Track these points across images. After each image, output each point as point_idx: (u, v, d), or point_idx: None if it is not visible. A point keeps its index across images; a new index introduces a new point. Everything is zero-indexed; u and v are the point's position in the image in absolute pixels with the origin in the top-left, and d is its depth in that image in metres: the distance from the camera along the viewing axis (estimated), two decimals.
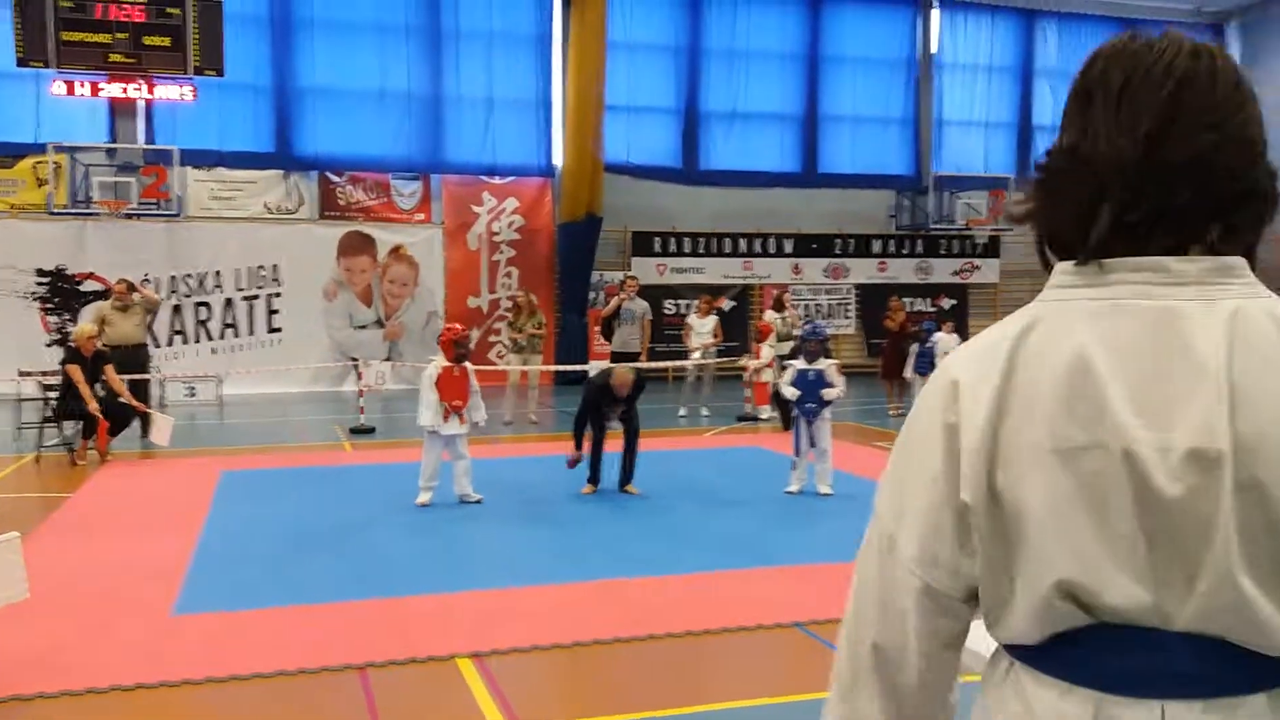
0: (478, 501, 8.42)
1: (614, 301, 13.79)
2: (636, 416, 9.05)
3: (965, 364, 1.33)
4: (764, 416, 13.92)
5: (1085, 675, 1.25)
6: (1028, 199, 1.38)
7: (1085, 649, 1.25)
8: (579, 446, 8.91)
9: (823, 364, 8.90)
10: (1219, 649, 1.20)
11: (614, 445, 9.12)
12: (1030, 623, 1.27)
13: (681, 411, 14.58)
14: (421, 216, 19.48)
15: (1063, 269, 1.32)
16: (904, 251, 22.46)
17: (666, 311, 20.57)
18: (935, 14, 22.63)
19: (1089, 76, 1.33)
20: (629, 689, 4.71)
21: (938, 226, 22.13)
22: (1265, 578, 1.18)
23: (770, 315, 14.41)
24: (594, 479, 9.03)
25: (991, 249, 22.85)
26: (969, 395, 1.30)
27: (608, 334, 14.22)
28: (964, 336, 15.79)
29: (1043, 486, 1.24)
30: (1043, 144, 23.30)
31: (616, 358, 14.18)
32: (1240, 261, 1.29)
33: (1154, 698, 1.22)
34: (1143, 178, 1.27)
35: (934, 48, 22.73)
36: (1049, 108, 23.49)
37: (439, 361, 8.44)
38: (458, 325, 8.89)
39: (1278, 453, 1.17)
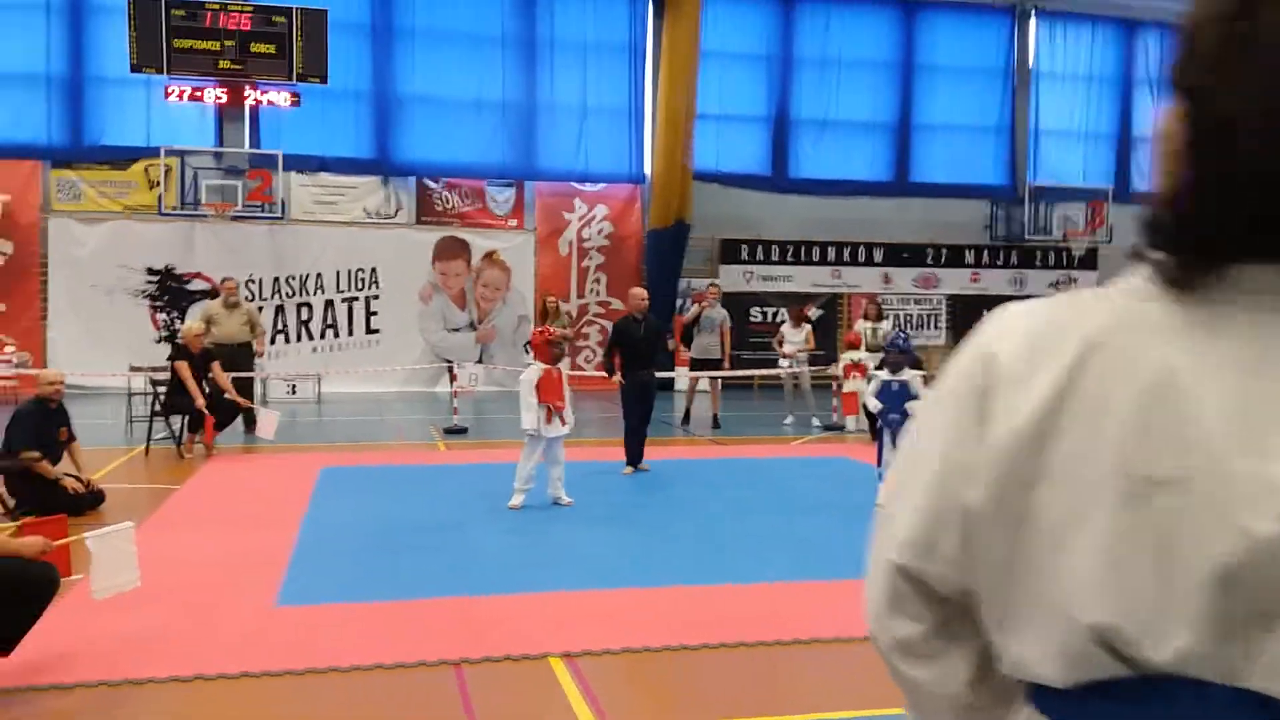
0: (568, 505, 8.55)
1: (694, 309, 13.89)
2: (651, 405, 10.35)
3: (1013, 342, 1.12)
4: (850, 427, 13.85)
5: None
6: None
7: (1124, 702, 1.05)
8: (611, 374, 10.29)
9: (907, 375, 8.80)
10: None
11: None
12: (1054, 665, 1.07)
13: (788, 419, 14.59)
14: (514, 222, 19.78)
15: (1167, 263, 1.08)
16: (998, 262, 22.11)
17: (753, 320, 20.57)
18: (1033, 23, 22.26)
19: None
20: (717, 695, 4.75)
21: (1033, 238, 21.74)
22: None
23: (861, 325, 14.32)
24: (632, 460, 10.18)
25: (1089, 261, 22.37)
26: (1013, 380, 1.10)
27: (688, 341, 14.33)
28: None
29: (1098, 518, 1.04)
30: (1143, 155, 22.78)
31: (696, 364, 14.32)
32: None
33: None
34: None
35: (1031, 57, 22.35)
36: (1150, 119, 22.88)
37: (537, 365, 8.57)
38: (549, 328, 9.04)
39: None
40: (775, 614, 5.73)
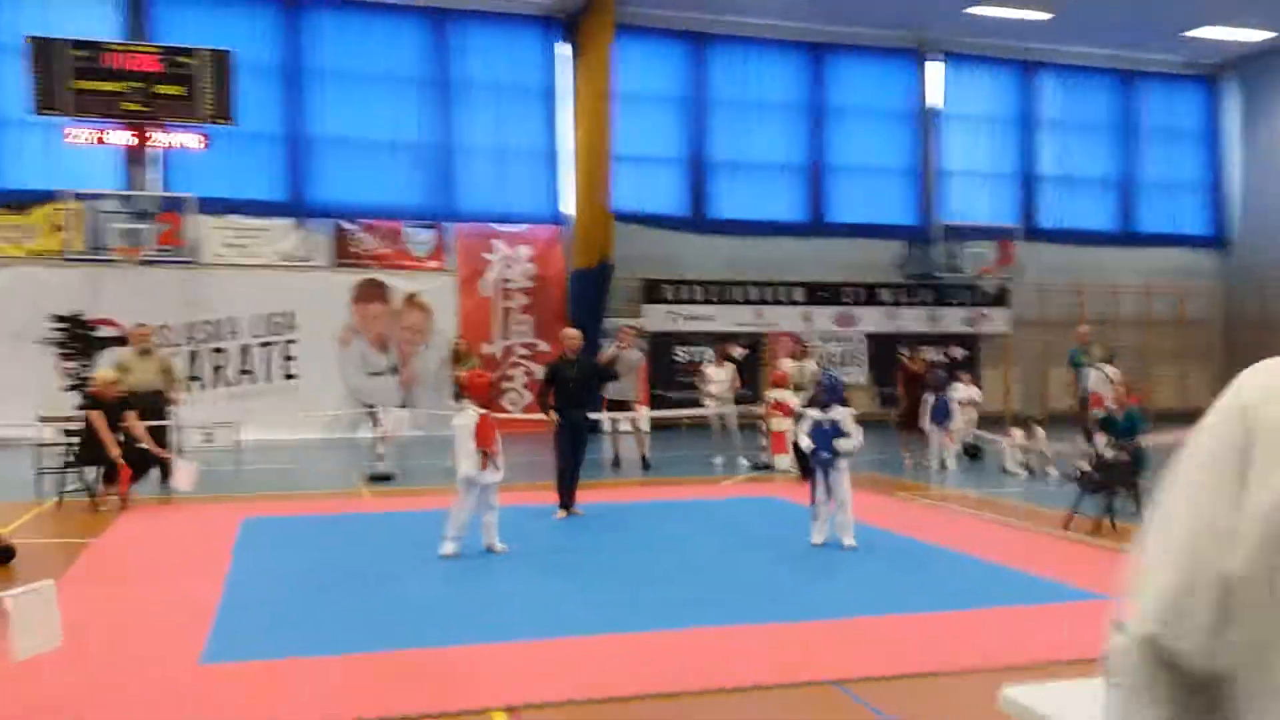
0: (503, 551, 8.41)
1: (610, 350, 13.93)
2: (584, 447, 10.33)
3: (1270, 395, 1.06)
4: (779, 467, 13.91)
5: None
6: None
7: None
8: (546, 411, 10.21)
9: (838, 413, 8.84)
10: None
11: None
12: None
13: (718, 459, 14.60)
14: (435, 264, 19.63)
15: None
16: (913, 300, 22.56)
17: (678, 359, 20.66)
18: (937, 66, 22.91)
19: None
20: None
21: (946, 275, 22.24)
22: None
23: (787, 364, 14.44)
24: (565, 503, 10.03)
25: (1000, 298, 22.94)
26: (1274, 442, 1.04)
27: None
28: (978, 387, 15.81)
29: None
30: (1047, 194, 23.56)
31: (612, 406, 14.30)
32: None
33: None
34: None
35: (937, 99, 22.97)
36: (1051, 158, 23.72)
37: (473, 409, 8.43)
38: (482, 371, 8.94)
39: None
40: (722, 659, 5.68)
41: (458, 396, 13.94)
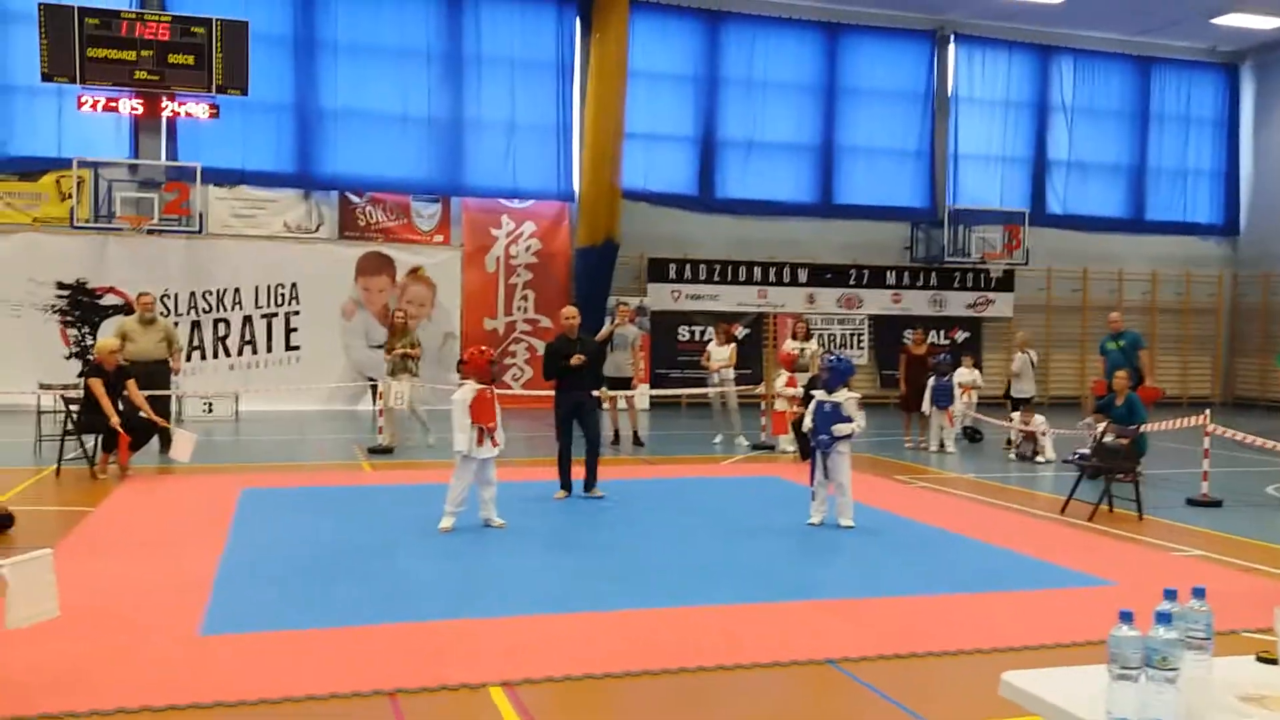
0: (500, 527, 8.41)
1: (606, 328, 13.91)
2: (597, 425, 10.19)
3: None
4: (780, 446, 13.90)
5: None
6: None
7: None
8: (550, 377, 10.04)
9: (841, 396, 8.80)
10: None
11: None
12: None
13: (717, 438, 14.61)
14: (440, 238, 19.59)
15: None
16: (918, 283, 22.50)
17: (681, 338, 20.64)
18: (952, 49, 22.76)
19: None
20: None
21: (952, 259, 22.17)
22: None
23: (790, 344, 14.42)
24: (565, 485, 9.91)
25: (1005, 283, 22.88)
26: None
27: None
28: (980, 370, 15.79)
29: None
30: (1058, 179, 23.44)
31: (610, 383, 14.30)
32: None
33: None
34: None
35: (950, 82, 22.84)
36: (1064, 143, 23.58)
37: (471, 384, 8.41)
38: (485, 347, 8.91)
39: None
40: (719, 637, 5.68)
41: (391, 369, 13.89)
